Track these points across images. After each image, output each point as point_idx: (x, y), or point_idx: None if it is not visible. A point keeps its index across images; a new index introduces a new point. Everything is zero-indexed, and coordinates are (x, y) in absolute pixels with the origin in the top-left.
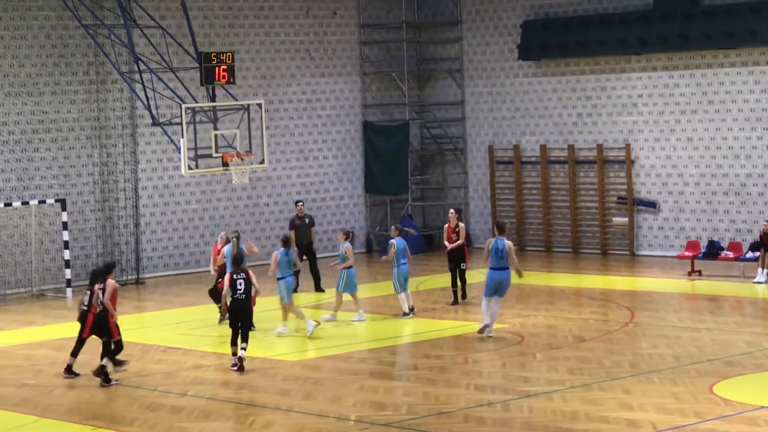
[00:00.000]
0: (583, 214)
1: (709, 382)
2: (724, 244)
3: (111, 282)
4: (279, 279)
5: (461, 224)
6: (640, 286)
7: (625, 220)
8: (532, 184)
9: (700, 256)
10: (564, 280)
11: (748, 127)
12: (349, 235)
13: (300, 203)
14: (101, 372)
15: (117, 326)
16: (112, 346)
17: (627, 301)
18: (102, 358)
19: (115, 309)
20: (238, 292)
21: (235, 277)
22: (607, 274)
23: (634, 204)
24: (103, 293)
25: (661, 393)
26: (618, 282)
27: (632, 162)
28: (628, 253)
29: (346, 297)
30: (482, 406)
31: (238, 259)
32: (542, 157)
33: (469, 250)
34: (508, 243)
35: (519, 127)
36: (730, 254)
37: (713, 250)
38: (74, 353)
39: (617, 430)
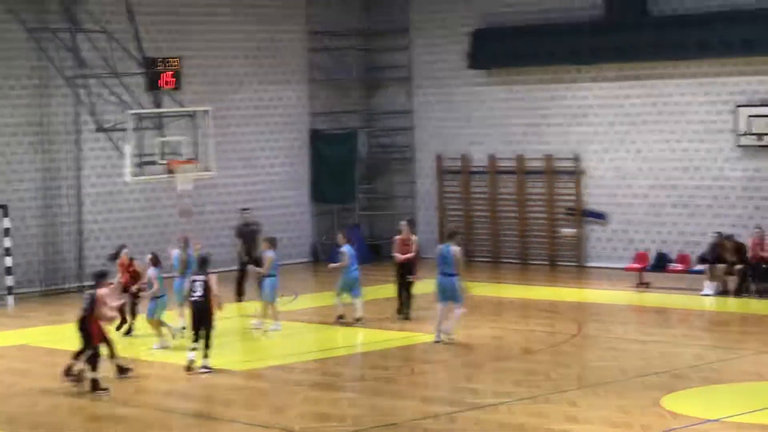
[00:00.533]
0: (531, 225)
1: (656, 395)
2: (673, 256)
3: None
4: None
5: (414, 237)
6: (588, 298)
7: (574, 231)
8: (480, 194)
9: (649, 268)
10: (512, 291)
11: (697, 139)
12: (272, 243)
13: (247, 210)
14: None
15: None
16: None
17: (574, 313)
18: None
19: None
20: (196, 294)
21: (194, 278)
22: (555, 286)
23: (582, 215)
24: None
25: (607, 406)
26: (566, 293)
27: (581, 173)
28: (576, 264)
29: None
30: (428, 418)
31: (202, 262)
32: (491, 167)
33: (419, 262)
34: (455, 249)
35: (468, 136)
36: (679, 266)
37: (661, 262)
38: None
39: None
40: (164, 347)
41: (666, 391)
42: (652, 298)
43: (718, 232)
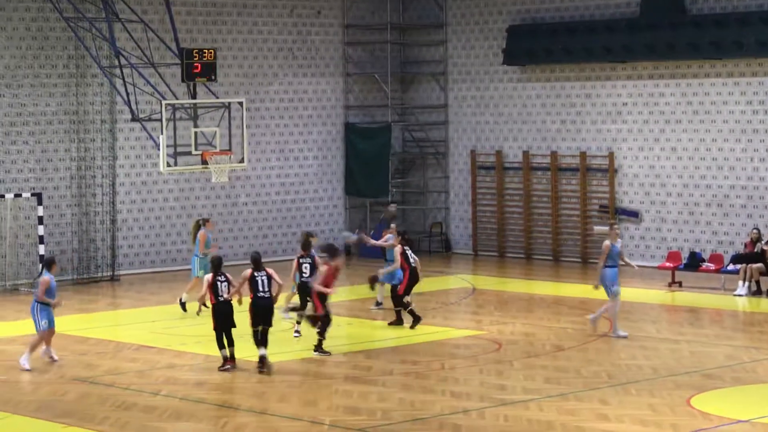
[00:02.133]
0: (564, 222)
1: (687, 395)
2: (706, 255)
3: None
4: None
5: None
6: (619, 297)
7: (607, 229)
8: (513, 190)
9: (681, 267)
10: (543, 288)
11: (733, 139)
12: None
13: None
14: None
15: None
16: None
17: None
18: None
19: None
20: (260, 291)
21: (255, 275)
22: (586, 283)
23: (616, 213)
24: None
25: (638, 404)
26: (597, 291)
27: (615, 170)
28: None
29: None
30: (457, 414)
31: (256, 258)
32: (525, 163)
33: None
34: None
35: (502, 132)
36: (711, 266)
37: (694, 262)
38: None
39: None
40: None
41: (697, 391)
42: (684, 298)
43: (757, 228)
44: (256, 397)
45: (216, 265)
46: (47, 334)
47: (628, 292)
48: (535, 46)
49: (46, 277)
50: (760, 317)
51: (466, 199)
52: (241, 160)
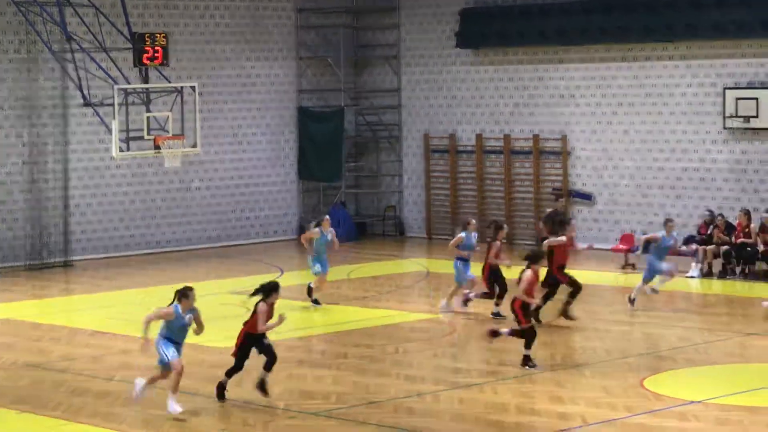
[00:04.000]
0: (517, 205)
1: (640, 376)
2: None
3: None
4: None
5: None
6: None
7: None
8: (467, 173)
9: (634, 249)
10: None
11: (685, 121)
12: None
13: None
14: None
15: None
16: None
17: (560, 294)
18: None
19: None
20: None
21: None
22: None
23: (569, 196)
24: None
25: (592, 386)
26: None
27: (568, 153)
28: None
29: None
30: (412, 397)
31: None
32: (478, 146)
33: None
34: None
35: (455, 115)
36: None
37: (647, 244)
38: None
39: (547, 422)
40: None
41: (650, 373)
42: (637, 280)
43: (710, 210)
44: (209, 382)
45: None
46: None
47: (582, 275)
48: (487, 30)
49: None
50: (713, 299)
51: (420, 183)
52: (194, 145)
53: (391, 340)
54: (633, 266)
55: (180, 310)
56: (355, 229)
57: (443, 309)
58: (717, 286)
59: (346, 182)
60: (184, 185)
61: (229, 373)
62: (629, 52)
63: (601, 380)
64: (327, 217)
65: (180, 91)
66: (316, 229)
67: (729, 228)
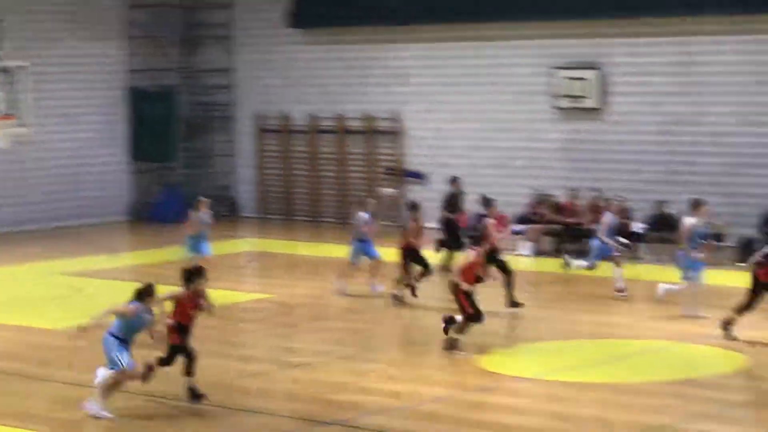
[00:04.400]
0: (351, 185)
1: (474, 354)
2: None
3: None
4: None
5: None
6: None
7: (394, 191)
8: (300, 153)
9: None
10: (332, 250)
11: (514, 101)
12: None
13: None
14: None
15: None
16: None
17: (395, 272)
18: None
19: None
20: None
21: None
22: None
23: (402, 175)
24: None
25: (426, 365)
26: (386, 253)
27: (401, 133)
28: (397, 224)
29: None
30: (246, 377)
31: None
32: (311, 126)
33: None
34: None
35: (288, 95)
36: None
37: (479, 222)
38: None
39: (380, 401)
40: None
41: (481, 349)
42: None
43: (537, 191)
44: (43, 364)
45: None
46: None
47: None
48: (320, 10)
49: None
50: (544, 277)
51: (253, 163)
52: (25, 125)
53: (226, 321)
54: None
55: (142, 310)
56: (188, 209)
57: (338, 287)
58: (547, 264)
59: (180, 163)
60: (16, 166)
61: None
62: (462, 32)
63: (436, 359)
64: (203, 198)
65: (9, 70)
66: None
67: (559, 208)
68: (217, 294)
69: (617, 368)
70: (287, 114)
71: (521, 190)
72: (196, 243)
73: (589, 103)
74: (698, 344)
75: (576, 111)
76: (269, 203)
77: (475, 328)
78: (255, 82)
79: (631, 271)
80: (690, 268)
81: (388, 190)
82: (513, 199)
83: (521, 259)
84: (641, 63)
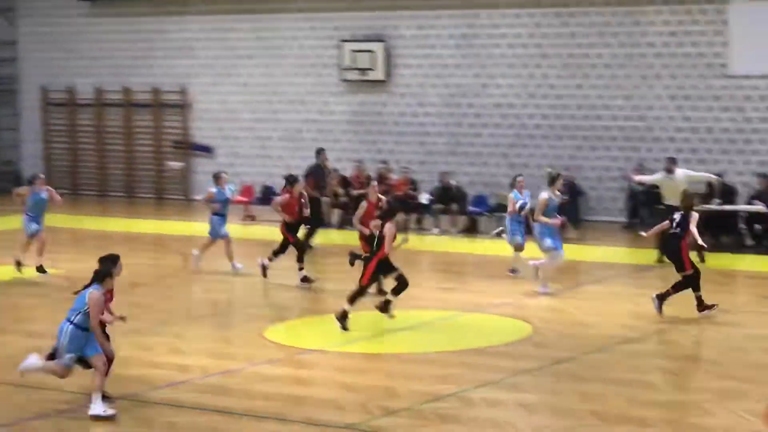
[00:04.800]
0: (138, 158)
1: (260, 326)
2: (278, 189)
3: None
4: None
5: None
6: (195, 231)
7: (181, 164)
8: (86, 127)
9: (255, 201)
10: (118, 224)
11: (303, 73)
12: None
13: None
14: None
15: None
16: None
17: (182, 246)
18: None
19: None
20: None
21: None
22: (162, 219)
23: (189, 149)
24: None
25: (213, 338)
26: (173, 227)
27: (188, 106)
28: (183, 197)
29: None
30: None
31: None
32: (97, 99)
33: None
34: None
35: (74, 68)
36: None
37: (267, 195)
38: None
39: (167, 375)
40: None
41: (270, 322)
42: (257, 231)
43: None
44: None
45: None
46: None
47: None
48: None
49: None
50: (330, 249)
51: (38, 137)
52: None
53: (9, 296)
54: (253, 218)
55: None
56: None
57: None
58: (335, 236)
59: None
60: None
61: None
62: (250, 5)
63: (223, 331)
64: (41, 175)
65: None
66: (25, 188)
67: (345, 181)
68: (3, 270)
69: (404, 339)
70: (73, 87)
71: (310, 162)
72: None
73: (375, 75)
74: (485, 314)
75: (362, 83)
76: (56, 177)
77: (264, 302)
78: (40, 54)
79: (418, 242)
80: (549, 238)
81: (176, 164)
82: (301, 172)
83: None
84: (426, 35)
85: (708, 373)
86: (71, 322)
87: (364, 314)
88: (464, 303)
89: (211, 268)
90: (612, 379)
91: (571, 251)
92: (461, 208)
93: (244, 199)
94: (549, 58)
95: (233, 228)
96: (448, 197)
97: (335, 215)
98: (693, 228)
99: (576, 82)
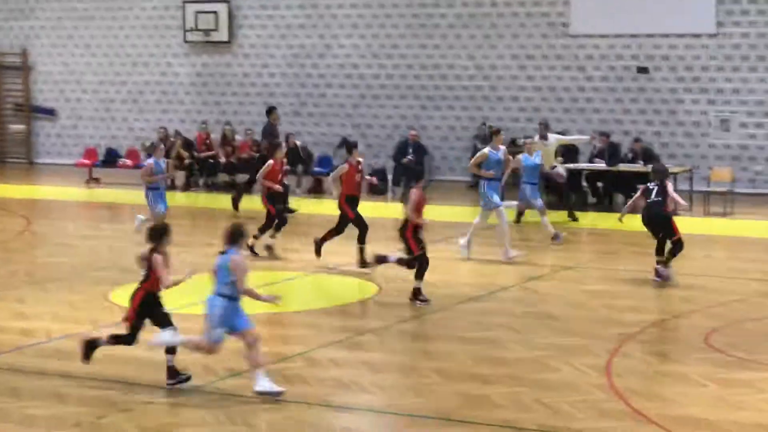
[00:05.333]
0: None
1: (105, 290)
2: (122, 152)
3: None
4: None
5: None
6: (37, 195)
7: (23, 127)
8: None
9: (98, 163)
10: None
11: (146, 35)
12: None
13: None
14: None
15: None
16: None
17: (24, 210)
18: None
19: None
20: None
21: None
22: (4, 183)
23: (31, 111)
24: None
25: (57, 301)
26: (15, 190)
27: (30, 68)
28: (26, 161)
29: None
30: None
31: None
32: None
33: None
34: None
35: None
36: (129, 162)
37: (111, 158)
38: None
39: (11, 339)
40: None
41: (115, 286)
42: (102, 194)
43: (164, 128)
44: None
45: None
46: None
47: (46, 190)
48: None
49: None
50: (175, 211)
51: None
52: None
53: None
54: (97, 180)
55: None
56: None
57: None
58: (180, 198)
59: None
60: None
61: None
62: None
63: (67, 295)
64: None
65: None
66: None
67: (189, 143)
68: None
69: (248, 301)
70: None
71: (153, 125)
72: None
73: (218, 36)
74: (331, 274)
75: (206, 45)
76: None
77: (109, 265)
78: None
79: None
80: (496, 194)
81: (17, 127)
82: (144, 134)
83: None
84: None
85: (550, 329)
86: (220, 295)
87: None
88: (309, 264)
89: (54, 232)
90: (456, 337)
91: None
92: (306, 168)
93: (88, 161)
94: (392, 18)
95: (75, 192)
96: (293, 158)
97: (180, 178)
98: (674, 194)
99: (420, 42)
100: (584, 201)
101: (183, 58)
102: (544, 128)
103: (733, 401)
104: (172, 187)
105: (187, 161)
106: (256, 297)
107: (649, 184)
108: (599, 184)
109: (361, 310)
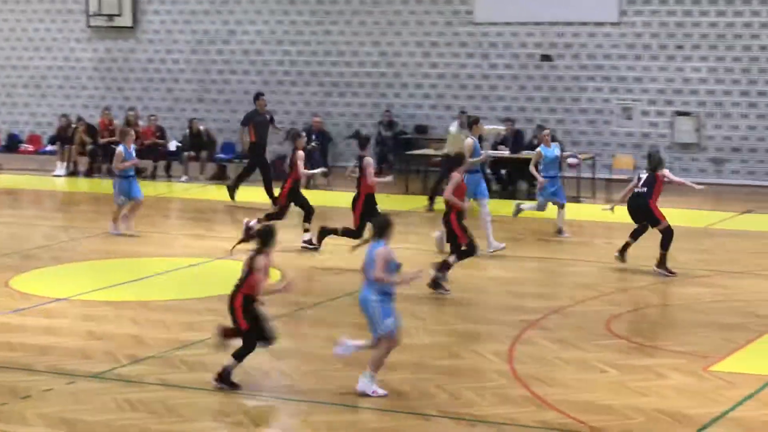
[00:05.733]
0: None
1: (6, 277)
2: (24, 137)
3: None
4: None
5: None
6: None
7: None
8: None
9: (0, 149)
10: None
11: (49, 19)
12: None
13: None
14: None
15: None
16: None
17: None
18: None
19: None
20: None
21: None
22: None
23: None
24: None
25: None
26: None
27: None
28: None
29: None
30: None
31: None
32: None
33: None
34: None
35: None
36: (30, 147)
37: (13, 144)
38: None
39: None
40: None
41: (15, 272)
42: (2, 180)
43: (65, 115)
44: None
45: None
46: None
47: None
48: None
49: None
50: (78, 197)
51: None
52: None
53: None
54: None
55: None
56: None
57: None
58: (83, 184)
59: None
60: None
61: (241, 356)
62: None
63: None
64: None
65: None
66: None
67: (92, 129)
68: None
69: (152, 287)
70: None
71: (56, 110)
72: None
73: (122, 21)
74: (234, 261)
75: (109, 29)
76: None
77: (8, 251)
78: None
79: (166, 189)
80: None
81: None
82: (47, 120)
83: (56, 180)
84: None
85: (454, 316)
86: (371, 291)
87: (112, 262)
88: (212, 250)
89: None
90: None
91: (319, 197)
92: (210, 155)
93: None
94: (296, 5)
95: None
96: (197, 144)
97: (83, 164)
98: (679, 179)
99: (324, 29)
100: (488, 188)
101: (86, 43)
102: (467, 118)
103: (634, 387)
104: (74, 172)
105: (89, 147)
106: (391, 282)
107: (640, 173)
108: (503, 171)
109: (264, 297)
